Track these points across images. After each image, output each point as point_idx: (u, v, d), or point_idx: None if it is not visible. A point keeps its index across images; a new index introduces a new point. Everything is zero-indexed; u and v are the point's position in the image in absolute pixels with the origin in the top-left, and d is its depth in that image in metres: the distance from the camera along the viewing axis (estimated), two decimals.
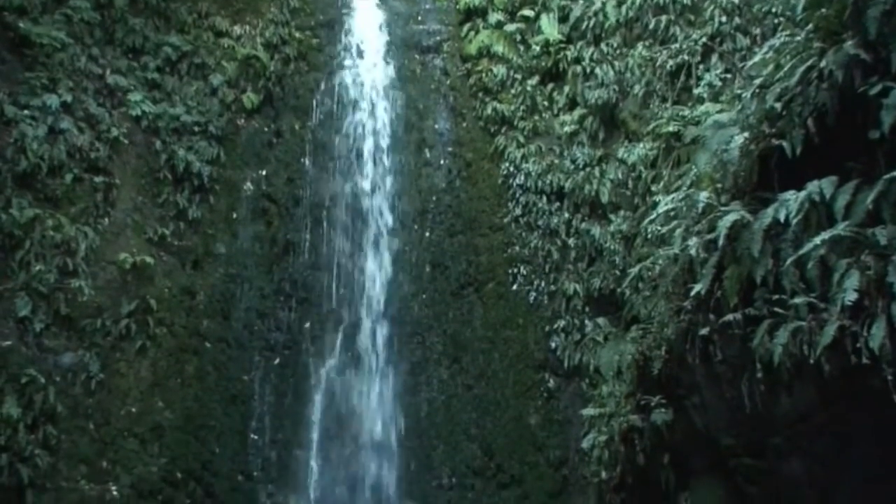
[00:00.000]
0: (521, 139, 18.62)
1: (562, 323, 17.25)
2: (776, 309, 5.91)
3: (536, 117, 18.87)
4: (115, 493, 15.10)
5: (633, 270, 10.07)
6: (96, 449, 15.23)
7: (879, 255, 5.41)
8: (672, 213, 8.06)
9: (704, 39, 15.43)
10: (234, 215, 18.01)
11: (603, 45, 18.26)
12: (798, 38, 6.61)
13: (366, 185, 19.31)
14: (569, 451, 16.74)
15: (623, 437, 8.18)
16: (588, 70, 18.26)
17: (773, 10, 13.42)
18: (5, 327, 14.62)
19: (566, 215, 17.82)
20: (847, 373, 5.37)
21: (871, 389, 5.29)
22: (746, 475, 6.67)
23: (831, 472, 5.81)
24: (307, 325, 18.18)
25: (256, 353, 17.56)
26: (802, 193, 5.92)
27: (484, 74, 19.51)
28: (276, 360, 17.73)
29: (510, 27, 19.98)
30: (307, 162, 19.02)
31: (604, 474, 8.61)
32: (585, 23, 18.56)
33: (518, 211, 18.22)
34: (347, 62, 20.42)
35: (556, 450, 16.81)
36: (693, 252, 6.80)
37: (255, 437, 17.04)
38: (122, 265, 16.10)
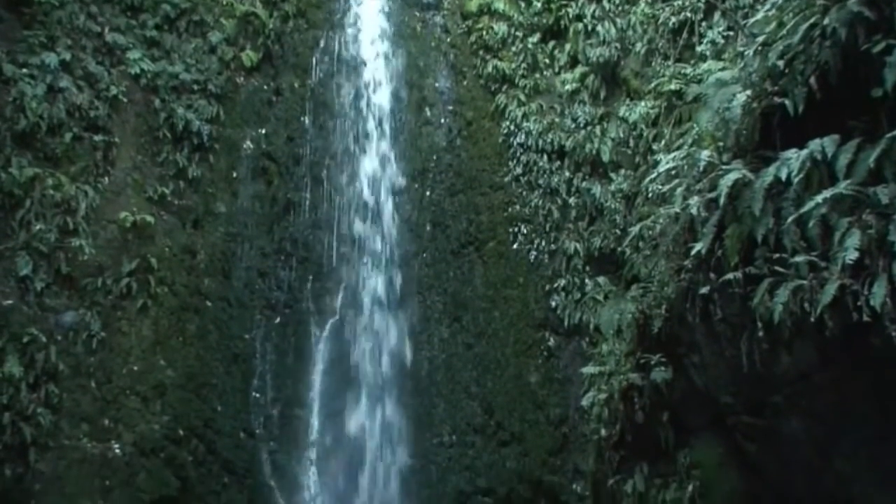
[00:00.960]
0: (522, 97, 18.51)
1: (562, 282, 17.26)
2: (777, 268, 5.90)
3: (537, 75, 18.74)
4: (117, 450, 15.20)
5: (634, 229, 10.05)
6: (98, 407, 15.31)
7: (881, 213, 5.39)
8: (673, 172, 8.04)
9: None
10: (234, 174, 17.95)
11: (605, 2, 18.13)
12: None
13: (366, 144, 19.26)
14: (568, 409, 16.82)
15: (623, 395, 8.21)
16: (590, 27, 18.12)
17: None
18: (6, 286, 14.63)
19: (567, 174, 17.77)
20: (847, 331, 5.37)
21: (872, 348, 5.30)
22: (745, 433, 6.69)
23: (831, 430, 5.83)
24: (308, 284, 18.21)
25: (257, 312, 17.59)
26: (804, 152, 5.90)
27: (484, 32, 19.34)
28: (277, 319, 17.77)
29: None
30: (307, 121, 18.94)
31: (603, 432, 8.64)
32: None
33: (519, 170, 18.16)
34: (347, 19, 20.25)
35: (556, 408, 16.90)
36: (694, 211, 6.79)
37: (257, 395, 17.12)
38: (122, 224, 16.09)
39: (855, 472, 5.77)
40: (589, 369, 9.59)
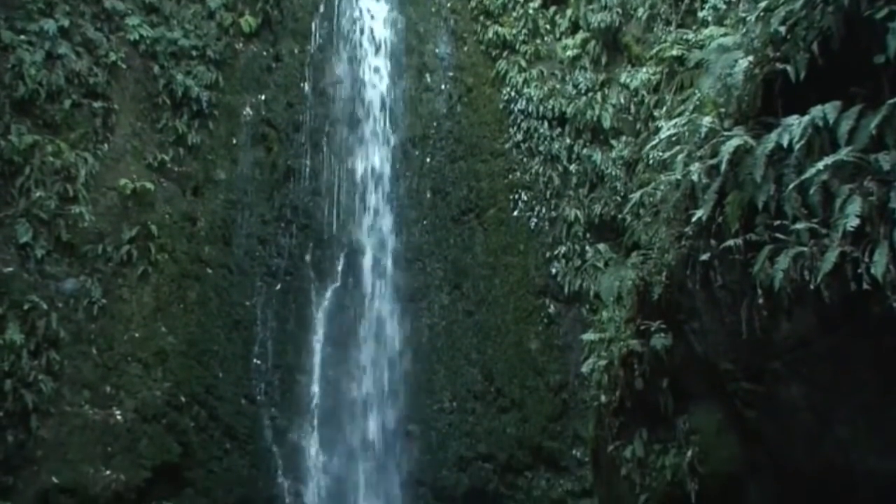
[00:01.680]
0: (523, 63, 18.40)
1: (562, 249, 17.26)
2: (777, 235, 5.90)
3: (538, 41, 18.62)
4: (119, 417, 15.28)
5: (635, 196, 10.02)
6: (100, 374, 15.37)
7: (882, 180, 5.38)
8: (674, 139, 8.01)
9: None
10: (234, 141, 17.90)
11: None
12: None
13: (366, 110, 19.18)
14: (568, 376, 16.88)
15: (622, 361, 8.23)
16: None
17: None
18: (6, 254, 14.64)
19: (567, 141, 17.71)
20: (848, 299, 5.37)
21: (872, 316, 5.31)
22: (745, 399, 6.71)
23: (830, 397, 5.85)
24: (308, 251, 18.21)
25: (258, 279, 17.61)
26: (806, 118, 5.87)
27: None
28: (278, 286, 17.79)
29: None
30: (307, 87, 18.84)
31: (603, 398, 8.67)
32: None
33: (519, 136, 18.09)
34: None
35: (556, 374, 16.96)
36: (695, 177, 6.76)
37: (258, 361, 17.17)
38: (122, 191, 16.08)
39: (854, 439, 5.79)
40: (589, 336, 9.60)
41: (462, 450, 17.04)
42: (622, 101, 17.21)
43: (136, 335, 15.82)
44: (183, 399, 16.01)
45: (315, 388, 17.47)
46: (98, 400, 15.26)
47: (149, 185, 16.32)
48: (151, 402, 15.65)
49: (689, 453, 7.65)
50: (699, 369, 7.44)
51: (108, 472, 14.93)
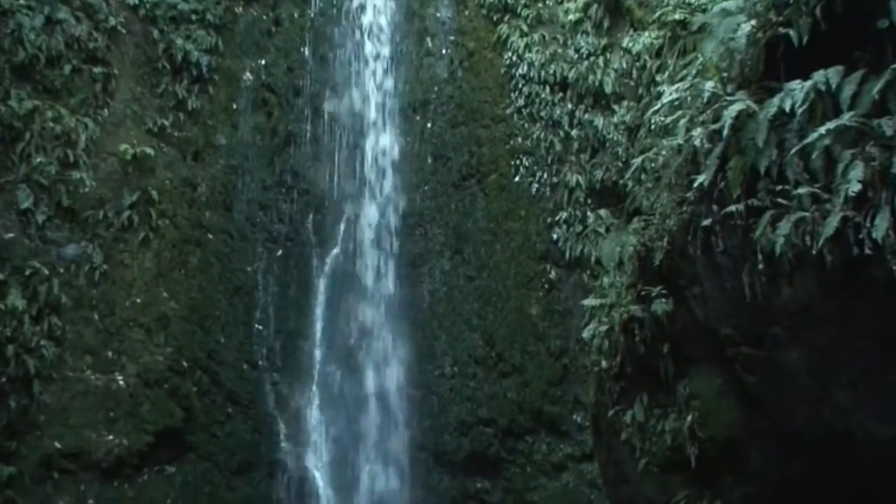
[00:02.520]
0: (525, 28, 18.27)
1: (563, 215, 17.24)
2: (779, 200, 5.88)
3: (540, 5, 18.47)
4: (121, 382, 15.34)
5: (636, 162, 10.00)
6: (101, 339, 15.41)
7: (884, 145, 5.36)
8: (676, 103, 7.97)
9: None
10: (234, 106, 17.83)
11: None
12: None
13: (366, 74, 19.09)
14: (569, 341, 16.93)
15: (623, 327, 8.23)
16: None
17: None
18: (7, 220, 14.64)
19: (569, 106, 17.63)
20: (849, 264, 5.37)
21: (873, 280, 5.31)
22: (745, 364, 6.73)
23: (831, 362, 5.86)
24: (309, 216, 18.20)
25: (259, 245, 17.61)
26: (808, 83, 5.84)
27: None
28: (279, 252, 17.80)
29: None
30: (307, 51, 18.74)
31: (604, 363, 8.69)
32: None
33: (521, 102, 18.01)
34: None
35: (557, 340, 17.00)
36: (697, 142, 6.74)
37: (260, 327, 17.22)
38: (122, 156, 16.04)
39: (854, 404, 5.81)
40: (590, 301, 9.61)
41: (463, 414, 17.12)
42: (624, 65, 17.13)
43: (138, 300, 15.85)
44: (185, 364, 16.07)
45: (317, 354, 17.53)
46: (100, 365, 15.31)
47: (149, 151, 16.28)
48: (153, 367, 15.71)
49: (690, 418, 7.68)
50: (700, 335, 7.45)
51: (110, 437, 15.01)
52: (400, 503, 16.97)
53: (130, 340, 15.66)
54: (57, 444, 14.60)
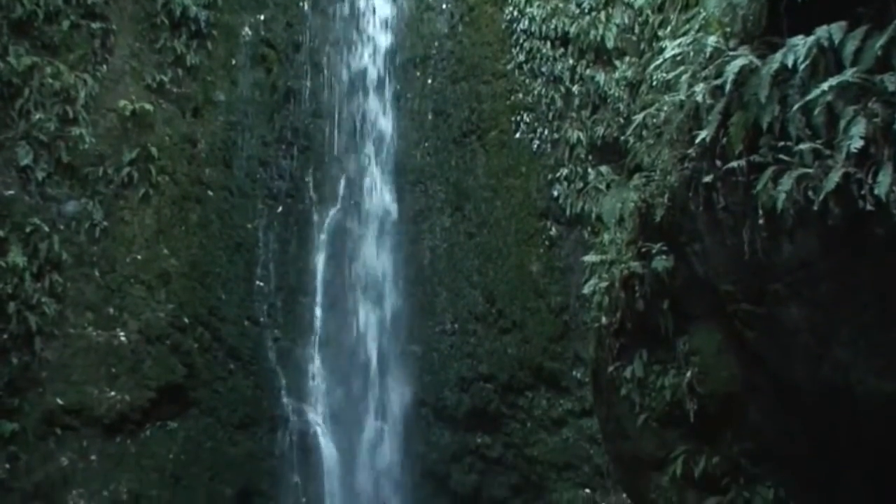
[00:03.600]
0: None
1: (564, 171, 17.18)
2: (781, 156, 5.86)
3: None
4: (122, 338, 15.39)
5: (638, 118, 9.95)
6: (103, 296, 15.44)
7: (887, 101, 5.33)
8: (679, 59, 7.91)
9: None
10: (233, 62, 17.72)
11: None
12: None
13: (366, 29, 18.96)
14: (569, 298, 16.95)
15: (623, 283, 8.24)
16: None
17: None
18: (7, 176, 14.61)
19: (570, 62, 17.49)
20: (850, 220, 5.36)
21: (875, 237, 5.30)
22: (745, 321, 6.74)
23: (831, 318, 5.86)
24: (309, 173, 18.17)
25: (259, 202, 17.60)
26: (811, 38, 5.80)
27: None
28: (279, 209, 17.79)
29: None
30: (306, 6, 18.59)
31: (604, 320, 8.70)
32: None
33: (522, 57, 17.86)
34: None
35: (557, 296, 17.02)
36: (699, 98, 6.70)
37: (261, 283, 17.26)
38: (121, 113, 15.97)
39: (854, 360, 5.82)
40: (590, 258, 9.61)
41: (463, 370, 17.21)
42: (626, 20, 16.96)
43: (139, 257, 15.86)
44: (186, 320, 16.12)
45: (318, 310, 17.60)
46: (101, 322, 15.36)
47: (148, 107, 16.20)
48: (155, 324, 15.75)
49: (689, 374, 7.72)
50: (700, 291, 7.47)
51: (112, 393, 15.10)
52: (401, 458, 17.11)
53: (132, 297, 15.69)
54: (59, 401, 14.68)
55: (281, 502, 16.38)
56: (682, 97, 7.25)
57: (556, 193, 17.19)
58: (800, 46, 5.85)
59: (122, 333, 15.41)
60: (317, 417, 17.09)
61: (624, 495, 13.86)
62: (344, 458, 16.97)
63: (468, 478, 16.88)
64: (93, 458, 14.87)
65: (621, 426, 8.57)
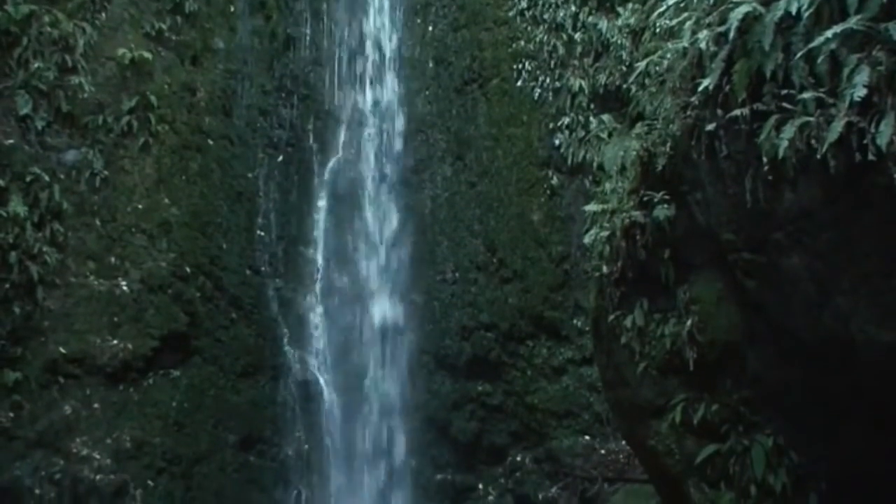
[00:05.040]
0: None
1: (566, 120, 17.10)
2: (784, 104, 5.82)
3: None
4: (124, 287, 15.42)
5: (640, 65, 9.87)
6: (104, 245, 15.45)
7: (891, 50, 5.27)
8: (682, 5, 7.83)
9: None
10: (232, 9, 17.55)
11: None
12: None
13: None
14: (570, 247, 16.97)
15: (625, 232, 8.23)
16: None
17: None
18: (7, 126, 14.56)
19: (573, 8, 17.32)
20: (852, 169, 5.33)
21: (876, 186, 5.27)
22: (746, 270, 6.74)
23: (832, 267, 5.86)
24: (310, 122, 18.10)
25: (260, 151, 17.57)
26: None
27: None
28: (280, 158, 17.76)
29: None
30: None
31: (605, 269, 8.70)
32: None
33: (523, 4, 17.70)
34: None
35: (558, 245, 17.04)
36: (702, 45, 6.64)
37: (262, 233, 17.27)
38: (120, 61, 15.87)
39: (854, 309, 5.83)
40: (591, 207, 9.58)
41: (464, 319, 17.28)
42: None
43: (140, 206, 15.85)
44: (188, 269, 16.14)
45: (319, 259, 17.63)
46: (103, 271, 15.39)
47: (147, 55, 16.08)
48: (157, 273, 15.78)
49: (689, 322, 7.74)
50: (701, 240, 7.46)
51: (115, 342, 15.16)
52: (402, 406, 17.24)
53: (133, 246, 15.70)
54: (62, 350, 14.75)
55: (283, 449, 16.53)
56: (686, 44, 7.19)
57: (557, 142, 17.13)
58: None
59: (123, 282, 15.45)
60: (318, 366, 17.19)
61: (623, 442, 14.00)
62: (345, 405, 17.10)
63: (469, 425, 17.02)
64: (96, 406, 14.98)
65: (621, 374, 8.61)
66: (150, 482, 14.86)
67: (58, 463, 14.33)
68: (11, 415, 14.13)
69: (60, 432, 14.55)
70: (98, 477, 14.45)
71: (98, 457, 14.64)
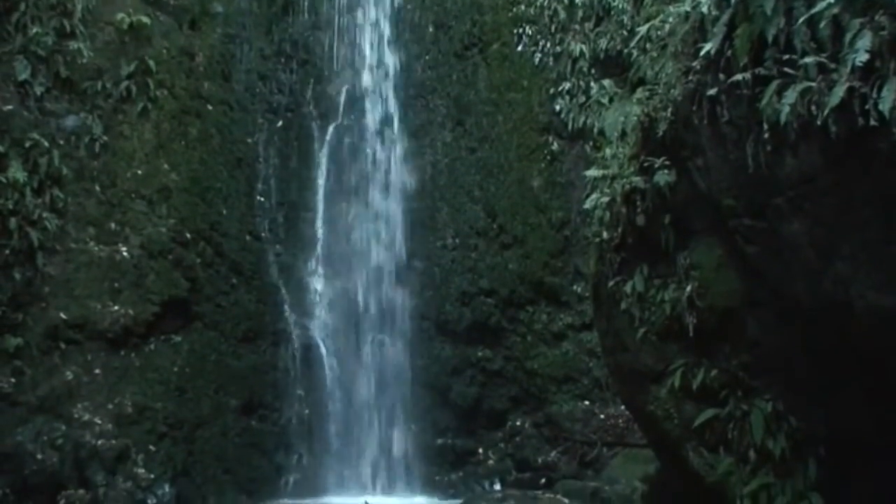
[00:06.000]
0: None
1: (567, 85, 17.05)
2: (786, 69, 5.81)
3: None
4: (125, 253, 15.42)
5: (642, 30, 9.84)
6: (104, 211, 15.44)
7: (894, 14, 5.25)
8: None
9: None
10: None
11: None
12: None
13: None
14: (570, 213, 16.98)
15: (625, 198, 8.22)
16: None
17: None
18: (6, 91, 14.50)
19: None
20: (854, 135, 5.32)
21: (878, 152, 5.27)
22: (746, 235, 6.74)
23: (832, 233, 5.86)
24: (309, 87, 18.02)
25: (259, 116, 17.51)
26: None
27: None
28: (279, 123, 17.71)
29: None
30: None
31: (605, 234, 8.71)
32: None
33: None
34: None
35: (559, 211, 17.04)
36: (704, 10, 6.61)
37: (262, 199, 17.26)
38: (119, 26, 15.77)
39: (854, 274, 5.83)
40: (592, 172, 9.57)
41: (465, 285, 17.30)
42: None
43: (139, 172, 15.81)
44: (188, 235, 16.12)
45: (319, 225, 17.61)
46: (103, 237, 15.38)
47: (145, 20, 15.97)
48: (157, 239, 15.76)
49: (689, 288, 7.75)
50: (701, 206, 7.45)
51: (115, 308, 15.18)
52: (402, 371, 17.30)
53: (133, 212, 15.68)
54: (62, 315, 14.77)
55: (284, 413, 16.60)
56: (688, 8, 7.16)
57: (558, 108, 17.09)
58: None
59: (124, 248, 15.44)
60: (319, 331, 17.23)
61: (622, 407, 14.07)
62: (346, 370, 17.15)
63: (469, 390, 17.09)
64: (97, 371, 15.01)
65: (621, 339, 8.64)
66: (151, 447, 14.92)
67: (59, 428, 14.38)
68: (13, 380, 14.17)
69: (62, 397, 14.60)
70: (100, 442, 14.50)
71: (100, 422, 14.69)
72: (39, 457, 14.03)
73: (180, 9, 16.73)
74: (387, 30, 18.56)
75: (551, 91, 17.21)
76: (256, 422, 16.37)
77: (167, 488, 14.67)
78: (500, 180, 17.36)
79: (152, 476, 14.62)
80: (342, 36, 18.32)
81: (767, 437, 7.35)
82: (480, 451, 17.03)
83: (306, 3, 18.03)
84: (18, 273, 14.27)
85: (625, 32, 16.25)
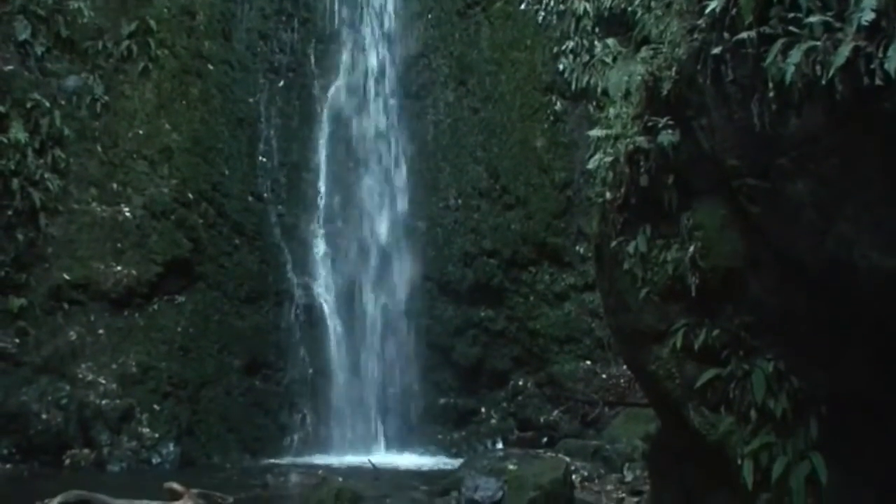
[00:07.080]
0: None
1: (570, 44, 16.93)
2: (791, 28, 5.76)
3: None
4: (127, 213, 15.43)
5: None
6: (106, 171, 15.44)
7: None
8: None
9: None
10: None
11: None
12: None
13: None
14: (573, 173, 16.94)
15: (628, 158, 8.17)
16: None
17: None
18: (6, 52, 14.46)
19: None
20: (859, 95, 5.28)
21: (882, 113, 5.23)
22: (750, 195, 6.71)
23: (835, 193, 5.83)
24: (311, 46, 17.92)
25: (261, 76, 17.43)
26: None
27: None
28: (281, 83, 17.64)
29: None
30: None
31: (608, 195, 8.66)
32: None
33: None
34: None
35: (562, 172, 17.00)
36: None
37: (264, 159, 17.23)
38: None
39: (857, 235, 5.82)
40: (595, 132, 9.51)
41: (467, 245, 17.30)
42: None
43: (141, 132, 15.79)
44: (190, 196, 16.12)
45: (321, 185, 17.60)
46: (105, 197, 15.39)
47: None
48: (159, 199, 15.77)
49: (692, 248, 7.73)
50: (705, 166, 7.42)
51: (118, 268, 15.22)
52: (405, 331, 17.36)
53: (135, 172, 15.69)
54: (65, 276, 14.82)
55: (288, 373, 16.70)
56: None
57: (561, 67, 16.98)
58: None
59: (126, 209, 15.45)
60: (322, 291, 17.27)
61: (624, 367, 14.11)
62: (349, 330, 17.21)
63: (471, 350, 17.15)
64: (101, 331, 15.09)
65: (623, 300, 8.63)
66: (155, 406, 15.03)
67: (64, 388, 14.49)
68: (17, 341, 14.26)
69: (66, 358, 14.69)
70: (104, 402, 14.62)
71: (104, 382, 14.79)
72: (44, 417, 14.15)
73: None
74: None
75: (555, 50, 17.09)
76: (260, 381, 16.47)
77: (171, 447, 14.81)
78: (502, 140, 17.30)
79: (157, 435, 14.75)
80: None
81: (769, 396, 7.36)
82: (483, 410, 17.13)
83: None
84: (21, 234, 14.32)
85: None
